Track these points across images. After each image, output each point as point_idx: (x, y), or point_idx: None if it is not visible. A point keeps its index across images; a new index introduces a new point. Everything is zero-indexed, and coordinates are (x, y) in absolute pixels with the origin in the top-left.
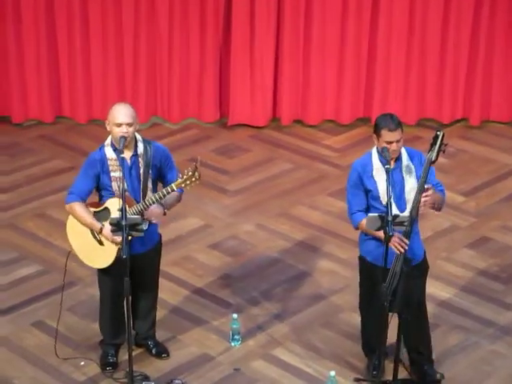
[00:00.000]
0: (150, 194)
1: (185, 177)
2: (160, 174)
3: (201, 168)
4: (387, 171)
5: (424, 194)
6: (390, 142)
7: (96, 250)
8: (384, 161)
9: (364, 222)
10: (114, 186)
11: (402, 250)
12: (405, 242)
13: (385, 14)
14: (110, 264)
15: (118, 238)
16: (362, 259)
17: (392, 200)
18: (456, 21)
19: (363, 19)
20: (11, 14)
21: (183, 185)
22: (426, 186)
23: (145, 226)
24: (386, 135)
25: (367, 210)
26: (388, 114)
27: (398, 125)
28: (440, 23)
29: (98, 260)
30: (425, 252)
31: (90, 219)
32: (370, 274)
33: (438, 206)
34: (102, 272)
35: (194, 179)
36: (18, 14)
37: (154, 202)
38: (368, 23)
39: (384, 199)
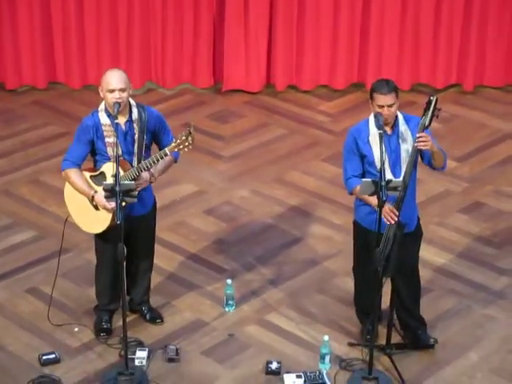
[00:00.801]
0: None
1: (178, 141)
2: (155, 140)
3: (195, 134)
4: (380, 136)
5: (418, 138)
6: (382, 106)
7: (92, 215)
8: (380, 127)
9: (358, 187)
10: (110, 151)
11: (392, 222)
12: (395, 213)
13: None
14: (105, 229)
15: (109, 205)
16: (356, 224)
17: (387, 166)
18: None
19: None
20: None
21: (176, 149)
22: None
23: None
24: (378, 99)
25: (363, 175)
26: (384, 80)
27: (392, 90)
28: None
29: (95, 225)
30: (419, 219)
31: (83, 186)
32: (364, 239)
33: (437, 159)
34: (100, 238)
35: (187, 144)
36: None
37: (148, 167)
38: None
39: (379, 165)
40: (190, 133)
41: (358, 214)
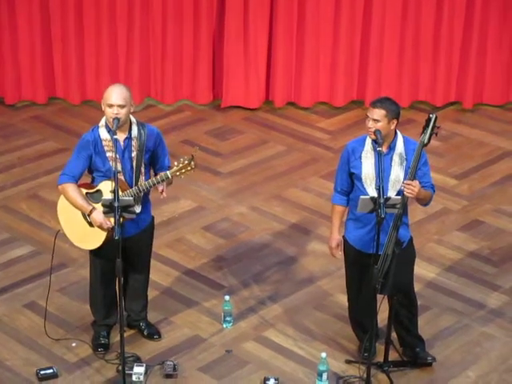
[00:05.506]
0: (142, 178)
1: (180, 165)
2: (153, 158)
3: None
4: (379, 154)
5: (406, 185)
6: (368, 118)
7: (86, 232)
8: (375, 144)
9: (336, 208)
10: (111, 165)
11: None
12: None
13: None
14: (99, 246)
15: (105, 224)
16: (344, 240)
17: (373, 184)
18: (450, 3)
19: (357, 1)
20: None
21: (178, 173)
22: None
23: (138, 209)
24: (368, 109)
25: (349, 192)
26: (387, 97)
27: (382, 107)
28: (434, 6)
29: (88, 241)
30: (412, 238)
31: (81, 201)
32: (353, 256)
33: (421, 201)
34: (94, 253)
35: (189, 168)
36: None
37: (147, 188)
38: (362, 5)
39: (366, 182)
40: (193, 157)
41: (346, 230)
